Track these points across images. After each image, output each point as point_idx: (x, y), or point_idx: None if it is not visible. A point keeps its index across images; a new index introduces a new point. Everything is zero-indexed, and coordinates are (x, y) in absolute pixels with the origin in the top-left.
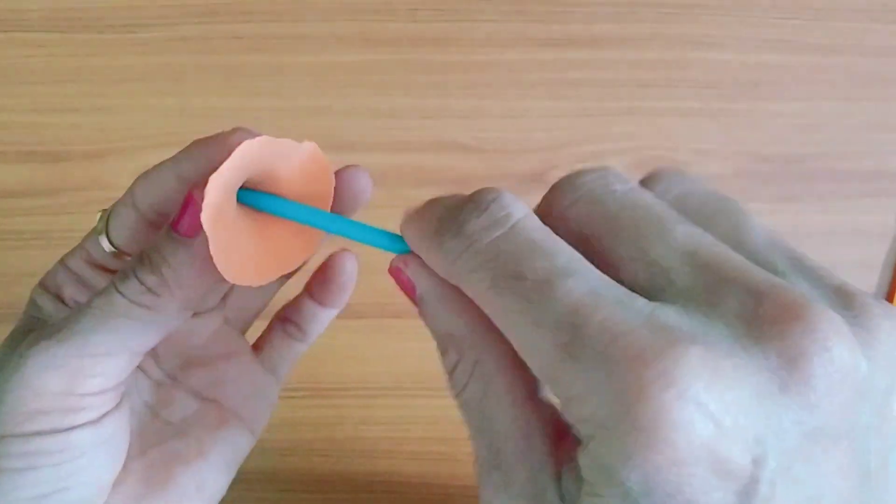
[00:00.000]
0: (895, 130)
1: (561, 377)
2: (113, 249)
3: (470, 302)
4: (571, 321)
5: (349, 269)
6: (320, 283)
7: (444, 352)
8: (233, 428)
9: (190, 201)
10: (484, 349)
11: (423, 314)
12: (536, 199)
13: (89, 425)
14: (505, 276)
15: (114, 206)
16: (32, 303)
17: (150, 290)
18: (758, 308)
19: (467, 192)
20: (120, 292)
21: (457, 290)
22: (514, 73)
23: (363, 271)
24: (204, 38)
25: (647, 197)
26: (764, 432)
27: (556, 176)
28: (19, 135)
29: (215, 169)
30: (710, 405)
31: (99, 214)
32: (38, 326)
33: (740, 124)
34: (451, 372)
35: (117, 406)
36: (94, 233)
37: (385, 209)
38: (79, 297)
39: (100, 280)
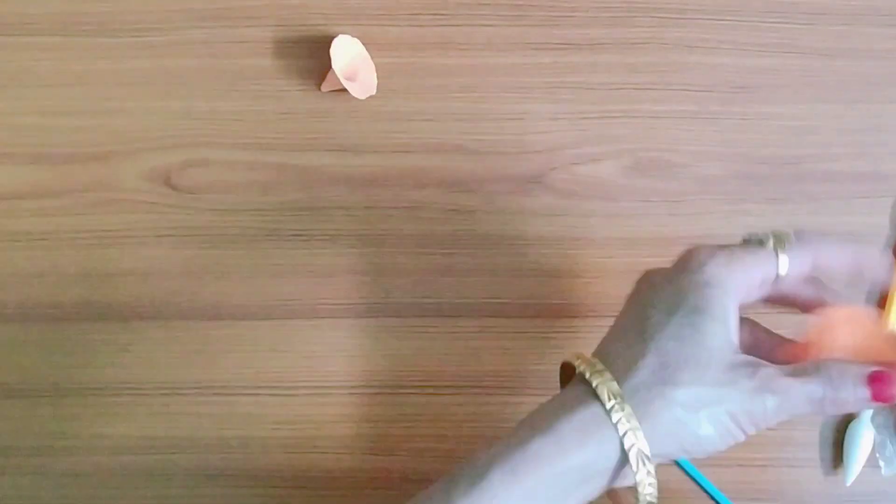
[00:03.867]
0: (888, 132)
1: None
2: (781, 275)
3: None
4: None
5: None
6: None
7: None
8: None
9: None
10: None
11: None
12: (535, 200)
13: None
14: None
15: (788, 241)
16: (731, 295)
17: (824, 411)
18: None
19: (467, 192)
20: (813, 401)
21: None
22: (514, 77)
23: (370, 272)
24: (208, 41)
25: None
26: None
27: (554, 178)
28: (26, 137)
29: None
30: None
31: (760, 239)
32: (729, 320)
33: (735, 127)
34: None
35: None
36: (771, 256)
37: (388, 210)
38: (740, 297)
39: (755, 296)
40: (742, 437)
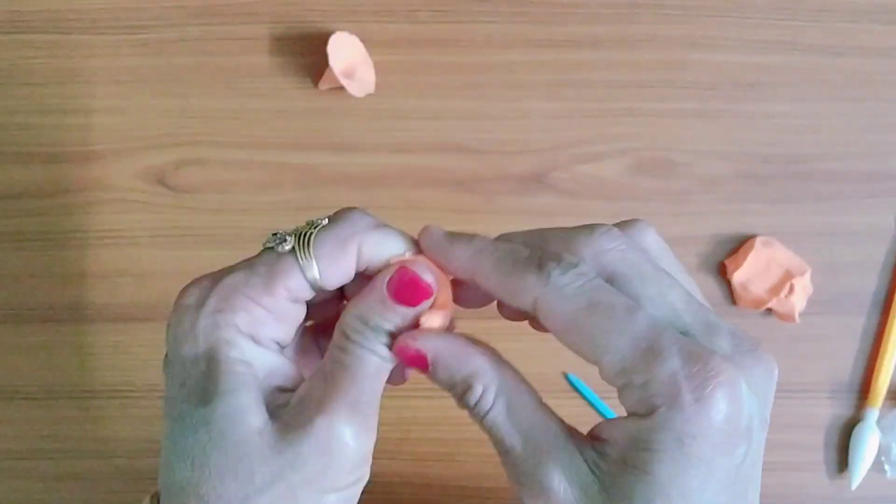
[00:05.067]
0: (894, 131)
1: (637, 368)
2: (321, 288)
3: (482, 346)
4: (650, 333)
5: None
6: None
7: (467, 389)
8: None
9: (419, 284)
10: (503, 375)
11: (437, 370)
12: (536, 200)
13: (367, 475)
14: (595, 303)
15: (321, 241)
16: (231, 345)
17: (388, 348)
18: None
19: (467, 192)
20: (377, 355)
21: (467, 341)
22: (514, 75)
23: None
24: (203, 39)
25: (648, 255)
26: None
27: (556, 177)
28: (19, 136)
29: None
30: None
31: (288, 245)
32: (246, 376)
33: (739, 125)
34: (476, 401)
35: None
36: (300, 267)
37: (386, 210)
38: (278, 336)
39: (297, 316)
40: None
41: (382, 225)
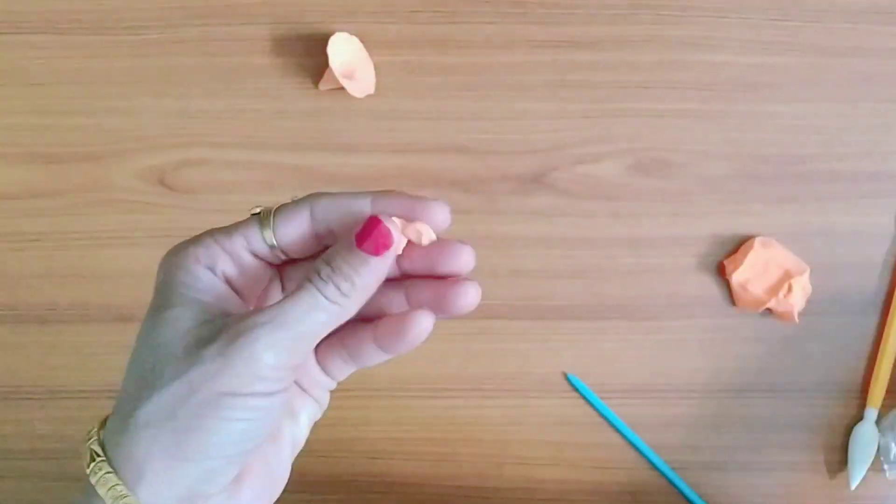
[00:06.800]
0: (893, 131)
1: None
2: (273, 245)
3: None
4: None
5: (423, 328)
6: (388, 333)
7: None
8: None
9: (378, 227)
10: None
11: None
12: (536, 200)
13: (281, 393)
14: None
15: (281, 209)
16: (186, 270)
17: (343, 294)
18: None
19: (467, 192)
20: (321, 293)
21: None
22: (514, 75)
23: None
24: (203, 39)
25: None
26: None
27: (556, 177)
28: (20, 137)
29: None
30: None
31: (258, 210)
32: (191, 294)
33: (739, 125)
34: None
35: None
36: (259, 226)
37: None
38: (230, 273)
39: (253, 264)
40: (280, 399)
41: (336, 192)
